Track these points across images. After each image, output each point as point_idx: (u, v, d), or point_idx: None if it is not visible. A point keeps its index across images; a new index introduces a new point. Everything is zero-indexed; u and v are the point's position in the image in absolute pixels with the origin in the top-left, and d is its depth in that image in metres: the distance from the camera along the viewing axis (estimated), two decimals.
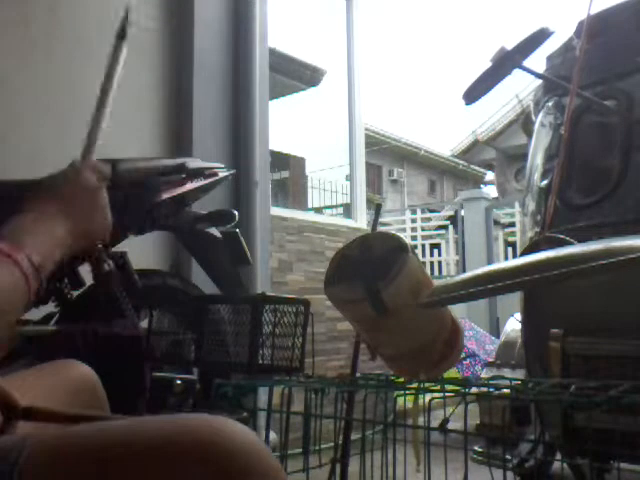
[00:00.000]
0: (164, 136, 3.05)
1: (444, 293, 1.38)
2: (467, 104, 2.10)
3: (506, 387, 1.29)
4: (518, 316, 2.19)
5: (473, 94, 2.07)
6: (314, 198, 7.57)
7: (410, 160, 19.80)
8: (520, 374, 2.11)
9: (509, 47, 1.97)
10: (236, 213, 2.17)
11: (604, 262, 1.13)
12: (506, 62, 1.96)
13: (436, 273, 8.75)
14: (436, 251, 9.03)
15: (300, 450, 1.39)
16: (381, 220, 2.83)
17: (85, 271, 1.84)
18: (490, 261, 7.40)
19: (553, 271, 1.19)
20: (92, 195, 0.83)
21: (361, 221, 4.57)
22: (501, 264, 2.96)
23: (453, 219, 8.77)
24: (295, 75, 6.29)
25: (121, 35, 1.10)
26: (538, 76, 2.23)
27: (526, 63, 2.00)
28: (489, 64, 1.99)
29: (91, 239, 0.83)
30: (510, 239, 8.24)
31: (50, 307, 1.83)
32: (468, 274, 1.52)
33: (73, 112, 2.65)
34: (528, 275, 1.24)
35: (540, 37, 1.95)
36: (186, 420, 0.66)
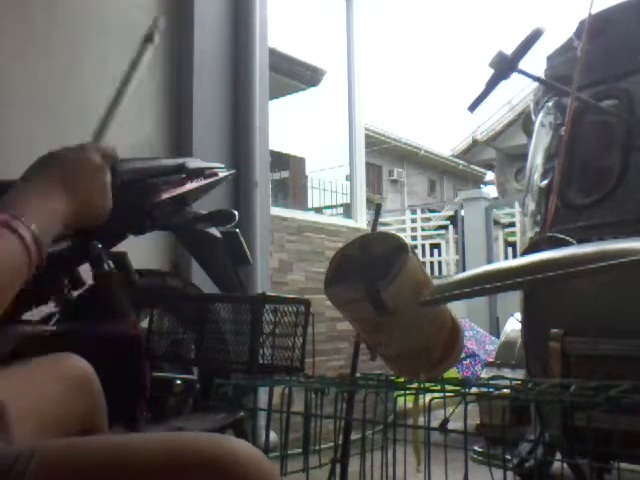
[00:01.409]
0: (164, 136, 3.05)
1: (444, 292, 1.38)
2: (471, 112, 2.13)
3: (506, 387, 1.29)
4: (518, 316, 2.19)
5: (474, 102, 2.09)
6: (314, 198, 7.57)
7: (410, 160, 19.80)
8: (520, 374, 2.11)
9: (506, 51, 1.98)
10: (236, 213, 2.17)
11: (596, 266, 1.14)
12: (504, 66, 1.97)
13: (436, 273, 8.75)
14: (436, 251, 9.03)
15: (300, 450, 1.39)
16: (381, 220, 2.83)
17: (85, 271, 1.85)
18: (490, 261, 7.40)
19: (547, 272, 1.20)
20: (93, 174, 0.81)
21: (361, 221, 4.57)
22: (500, 264, 2.96)
23: (453, 219, 8.77)
24: (295, 75, 6.29)
25: (149, 39, 1.08)
26: (535, 79, 2.23)
27: (525, 63, 2.01)
28: (489, 72, 2.01)
29: (90, 218, 0.81)
30: (510, 239, 8.24)
31: (50, 307, 1.83)
32: (467, 273, 1.52)
33: (72, 111, 2.66)
34: (524, 276, 1.25)
35: (534, 38, 1.96)
36: (187, 435, 0.67)
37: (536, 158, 2.34)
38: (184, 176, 1.98)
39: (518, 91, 12.86)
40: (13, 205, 0.68)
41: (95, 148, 0.84)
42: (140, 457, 0.63)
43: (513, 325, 2.47)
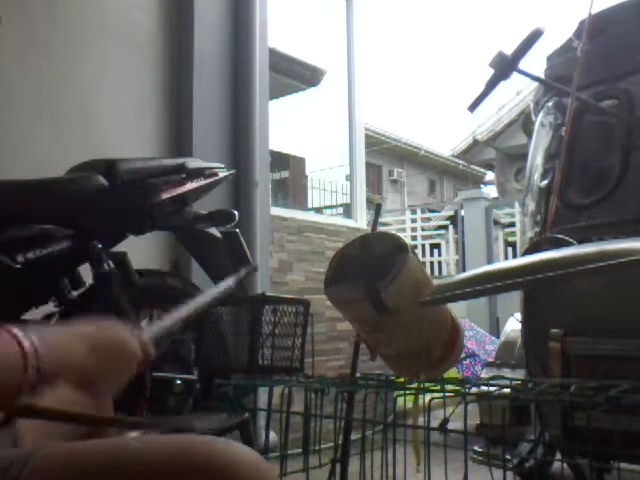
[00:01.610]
0: (164, 136, 3.05)
1: (444, 292, 1.38)
2: (471, 112, 2.14)
3: (506, 387, 1.29)
4: (518, 316, 2.19)
5: (475, 102, 2.10)
6: (314, 198, 7.56)
7: (410, 160, 19.80)
8: (520, 374, 2.11)
9: (506, 51, 1.98)
10: (236, 213, 2.17)
11: (596, 266, 1.14)
12: (504, 66, 1.97)
13: (436, 273, 8.75)
14: (436, 251, 9.03)
15: (300, 450, 1.39)
16: (381, 220, 2.83)
17: (85, 271, 1.85)
18: (490, 261, 7.40)
19: (547, 273, 1.20)
20: (124, 357, 0.80)
21: (361, 221, 4.57)
22: (500, 264, 2.97)
23: (453, 219, 8.78)
24: (295, 75, 6.28)
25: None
26: (535, 79, 2.24)
27: (525, 63, 2.01)
28: (490, 72, 2.01)
29: (102, 389, 0.79)
30: (510, 239, 8.24)
31: (50, 307, 1.83)
32: (467, 273, 1.52)
33: (72, 111, 2.66)
34: (524, 276, 1.25)
35: (534, 38, 1.96)
36: (184, 438, 0.67)
37: (536, 158, 2.34)
38: (184, 176, 1.98)
39: (520, 88, 12.81)
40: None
41: (139, 338, 0.83)
42: (139, 461, 0.63)
43: (513, 325, 2.47)
